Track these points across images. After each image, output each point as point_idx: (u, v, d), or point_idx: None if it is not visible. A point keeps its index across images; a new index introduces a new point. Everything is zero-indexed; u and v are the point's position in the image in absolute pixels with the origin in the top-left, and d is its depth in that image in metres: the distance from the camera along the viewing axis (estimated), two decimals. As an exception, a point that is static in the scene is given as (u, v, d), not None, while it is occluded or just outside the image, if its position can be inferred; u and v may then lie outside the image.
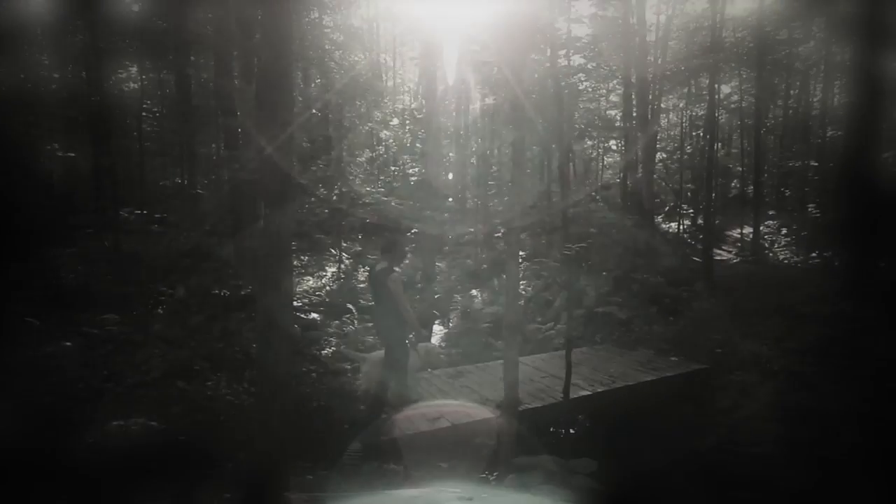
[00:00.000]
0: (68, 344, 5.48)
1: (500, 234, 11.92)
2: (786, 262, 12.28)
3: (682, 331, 7.62)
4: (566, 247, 5.37)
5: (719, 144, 17.19)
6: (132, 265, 8.68)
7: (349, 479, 3.81)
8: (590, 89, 17.35)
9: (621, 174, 17.35)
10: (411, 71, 21.79)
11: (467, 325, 8.35)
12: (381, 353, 5.05)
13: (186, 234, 11.10)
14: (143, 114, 13.21)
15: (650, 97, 15.21)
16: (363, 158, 16.60)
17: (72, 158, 11.72)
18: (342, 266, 11.05)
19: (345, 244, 12.11)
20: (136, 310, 6.85)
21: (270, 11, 3.27)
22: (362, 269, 11.37)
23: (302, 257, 11.30)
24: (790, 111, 18.28)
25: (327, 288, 9.71)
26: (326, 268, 11.05)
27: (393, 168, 17.09)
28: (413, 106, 18.82)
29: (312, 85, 15.03)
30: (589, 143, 20.35)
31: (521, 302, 8.94)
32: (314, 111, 12.06)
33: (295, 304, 7.74)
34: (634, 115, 14.47)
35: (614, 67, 15.78)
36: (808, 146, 15.58)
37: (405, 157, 16.94)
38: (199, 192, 12.89)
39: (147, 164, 13.13)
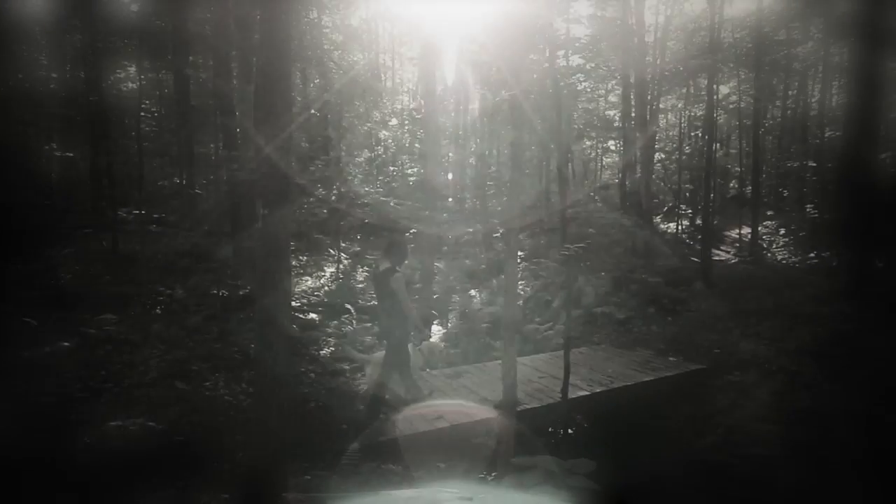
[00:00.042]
0: (66, 344, 5.47)
1: (498, 235, 11.93)
2: (784, 262, 12.30)
3: (680, 331, 7.63)
4: (565, 247, 5.38)
5: (718, 145, 17.21)
6: (130, 265, 8.66)
7: (347, 479, 3.81)
8: (588, 89, 17.38)
9: (620, 174, 17.37)
10: (410, 71, 21.79)
11: (466, 326, 8.34)
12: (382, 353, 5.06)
13: (185, 235, 11.08)
14: (142, 114, 13.19)
15: (649, 97, 15.24)
16: (362, 159, 16.58)
17: (70, 158, 11.72)
18: (341, 266, 11.05)
19: (343, 244, 12.10)
20: (135, 310, 6.83)
21: (269, 11, 3.27)
22: (361, 270, 11.37)
23: (301, 257, 11.29)
24: (788, 112, 18.32)
25: (326, 288, 9.71)
26: (325, 268, 11.04)
27: (392, 168, 17.07)
28: (412, 106, 18.80)
29: (311, 85, 15.03)
30: (587, 143, 20.38)
31: (520, 302, 8.94)
32: (313, 111, 12.05)
33: (293, 304, 7.73)
34: (633, 115, 14.49)
35: (613, 68, 15.81)
36: (807, 146, 15.61)
37: (404, 157, 16.93)
38: (198, 192, 12.87)
39: (145, 164, 13.10)
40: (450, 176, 16.27)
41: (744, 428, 5.20)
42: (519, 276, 9.82)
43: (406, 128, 17.04)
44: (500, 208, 13.78)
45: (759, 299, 8.46)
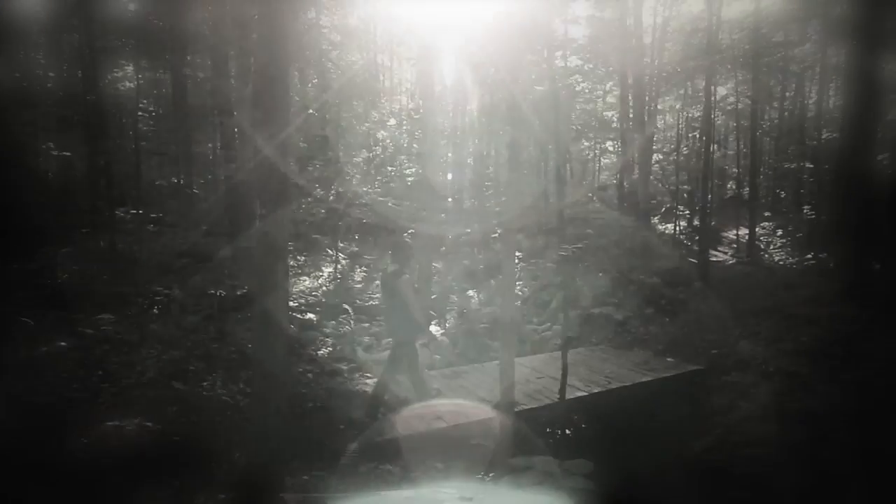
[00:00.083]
0: (63, 344, 5.45)
1: (496, 235, 11.93)
2: (781, 263, 12.32)
3: (678, 332, 7.65)
4: (563, 247, 5.39)
5: (715, 146, 17.22)
6: (128, 265, 8.64)
7: (346, 479, 3.81)
8: (586, 90, 17.39)
9: (618, 175, 17.40)
10: (408, 71, 21.76)
11: (464, 326, 8.34)
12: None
13: (183, 234, 11.06)
14: (140, 113, 13.17)
15: (647, 98, 15.26)
16: (360, 159, 16.56)
17: (67, 158, 11.66)
18: (339, 266, 11.04)
19: (341, 244, 12.08)
20: (132, 310, 6.81)
21: (267, 11, 3.26)
22: (359, 270, 11.36)
23: (298, 257, 11.27)
24: (786, 113, 18.36)
25: (324, 288, 9.70)
26: (323, 268, 11.02)
27: (390, 168, 17.06)
28: (410, 106, 18.80)
29: (309, 85, 14.99)
30: (585, 143, 20.39)
31: (518, 302, 8.94)
32: (311, 111, 12.02)
33: (291, 304, 7.71)
34: (631, 116, 14.50)
35: (611, 69, 15.83)
36: (804, 148, 15.64)
37: (402, 157, 16.92)
38: (196, 191, 12.84)
39: (143, 163, 13.08)
40: (448, 176, 16.26)
41: (741, 428, 5.21)
42: (517, 276, 9.82)
43: (404, 128, 17.02)
44: (498, 208, 13.76)
45: (756, 300, 8.48)
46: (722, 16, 12.88)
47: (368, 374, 6.19)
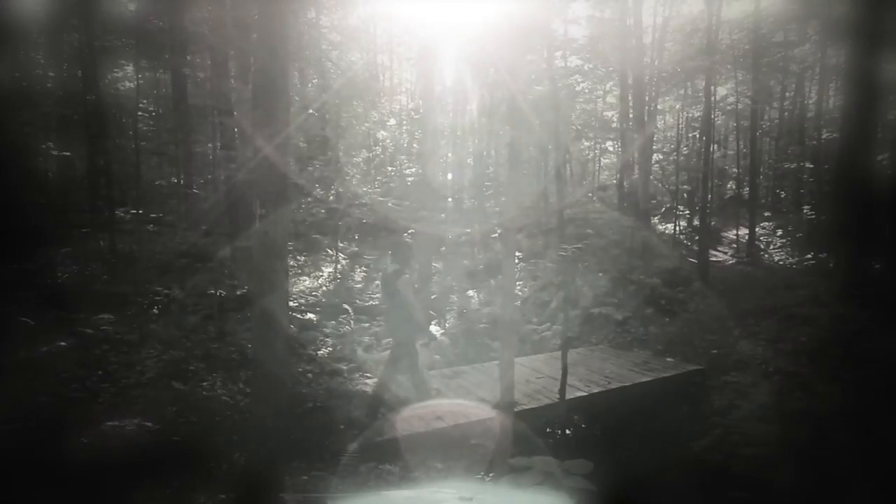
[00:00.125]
0: (63, 344, 5.45)
1: (496, 235, 11.94)
2: (781, 263, 12.33)
3: (678, 332, 7.65)
4: (563, 247, 5.39)
5: (715, 146, 17.24)
6: (128, 265, 8.64)
7: (346, 479, 3.81)
8: (586, 90, 17.39)
9: (618, 175, 17.39)
10: (408, 71, 21.76)
11: (464, 326, 8.35)
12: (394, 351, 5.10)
13: (182, 234, 11.06)
14: (139, 113, 13.15)
15: (647, 98, 15.25)
16: (360, 159, 16.57)
17: (67, 157, 11.65)
18: (339, 266, 11.04)
19: (341, 244, 12.09)
20: (132, 310, 6.81)
21: (267, 11, 3.27)
22: (359, 270, 11.36)
23: (298, 257, 11.27)
24: (786, 113, 18.37)
25: (324, 288, 9.70)
26: (323, 268, 11.03)
27: (390, 168, 17.07)
28: (410, 106, 18.81)
29: (309, 85, 14.99)
30: (585, 143, 20.39)
31: (518, 302, 8.95)
32: (311, 111, 12.02)
33: (291, 304, 7.71)
34: (631, 116, 14.50)
35: (611, 69, 15.83)
36: (804, 148, 15.65)
37: (402, 157, 16.92)
38: (196, 191, 12.83)
39: (143, 163, 13.06)
40: (448, 176, 16.26)
41: (741, 428, 5.21)
42: (517, 276, 9.83)
43: (404, 128, 17.04)
44: (497, 208, 13.78)
45: (756, 300, 8.49)
46: (722, 16, 12.91)
47: (368, 374, 6.19)
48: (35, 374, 4.76)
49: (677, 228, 15.15)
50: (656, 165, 16.04)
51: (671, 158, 17.04)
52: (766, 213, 15.83)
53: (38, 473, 3.48)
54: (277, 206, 3.25)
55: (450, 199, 15.61)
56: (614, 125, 17.43)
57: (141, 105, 13.57)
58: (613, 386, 5.62)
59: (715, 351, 6.85)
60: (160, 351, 5.63)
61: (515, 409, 4.67)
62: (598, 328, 8.21)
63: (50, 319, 5.94)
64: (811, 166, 14.40)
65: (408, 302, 4.69)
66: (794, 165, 15.40)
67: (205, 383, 5.13)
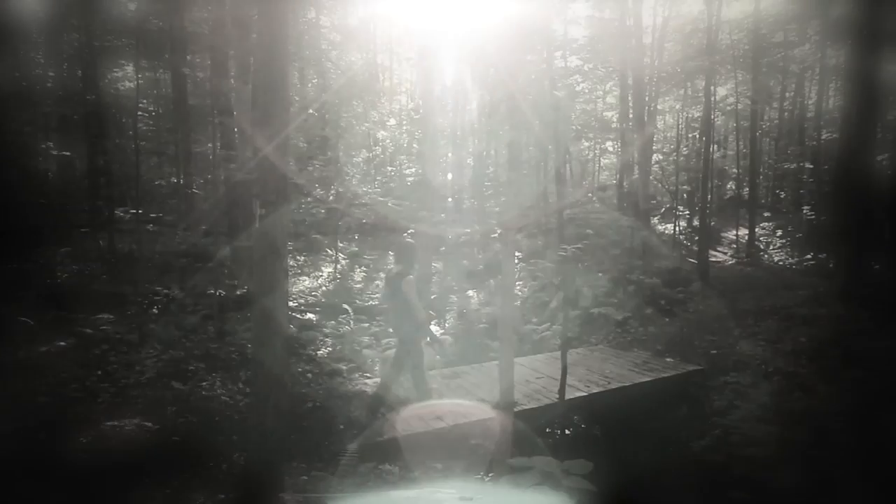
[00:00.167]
0: (62, 344, 5.45)
1: (496, 235, 11.93)
2: (781, 263, 12.33)
3: (677, 332, 7.65)
4: (562, 247, 5.39)
5: (715, 146, 17.24)
6: (127, 265, 8.64)
7: (345, 479, 3.81)
8: (586, 90, 17.40)
9: (617, 175, 17.39)
10: (408, 71, 21.77)
11: (463, 326, 8.34)
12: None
13: (182, 234, 11.05)
14: (139, 113, 13.13)
15: (646, 99, 15.26)
16: (360, 159, 16.58)
17: (67, 157, 11.66)
18: (338, 266, 11.04)
19: (341, 244, 12.09)
20: (131, 310, 6.81)
21: (266, 11, 3.26)
22: (359, 270, 11.36)
23: (298, 257, 11.28)
24: (785, 113, 18.38)
25: (323, 288, 9.70)
26: (323, 268, 11.03)
27: (390, 168, 17.07)
28: (410, 106, 18.81)
29: (309, 85, 15.00)
30: (585, 144, 20.40)
31: (517, 303, 8.94)
32: (311, 111, 12.03)
33: (291, 304, 7.71)
34: (631, 116, 14.51)
35: (611, 69, 15.84)
36: (804, 148, 15.66)
37: (402, 157, 16.93)
38: (195, 191, 12.83)
39: (142, 163, 13.04)
40: (448, 176, 16.27)
41: (741, 429, 5.21)
42: (516, 276, 9.82)
43: (404, 128, 17.04)
44: (497, 209, 13.78)
45: (756, 300, 8.49)
46: (721, 16, 12.91)
47: (368, 375, 6.19)
48: (34, 374, 4.76)
49: (677, 229, 15.15)
50: (656, 166, 16.04)
51: (671, 159, 17.04)
52: (765, 214, 15.84)
53: (37, 474, 3.48)
54: (277, 205, 3.25)
55: (450, 199, 15.62)
56: (614, 125, 17.45)
57: (141, 105, 13.55)
58: (613, 386, 5.62)
59: (715, 351, 6.85)
60: (160, 351, 5.63)
61: (515, 410, 4.67)
62: (597, 328, 8.21)
63: (49, 319, 5.94)
64: (811, 166, 14.40)
65: (411, 302, 4.69)
66: (793, 166, 15.40)
67: (204, 383, 5.13)
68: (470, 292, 10.29)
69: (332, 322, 7.89)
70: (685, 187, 16.87)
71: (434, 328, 8.64)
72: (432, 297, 9.72)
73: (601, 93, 19.29)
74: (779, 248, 13.76)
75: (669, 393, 5.88)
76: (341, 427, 4.70)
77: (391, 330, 6.90)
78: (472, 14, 9.26)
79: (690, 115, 17.69)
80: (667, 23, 16.44)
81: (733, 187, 19.02)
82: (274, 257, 3.28)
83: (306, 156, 11.47)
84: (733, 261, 13.14)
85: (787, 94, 18.09)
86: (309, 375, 5.84)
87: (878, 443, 4.65)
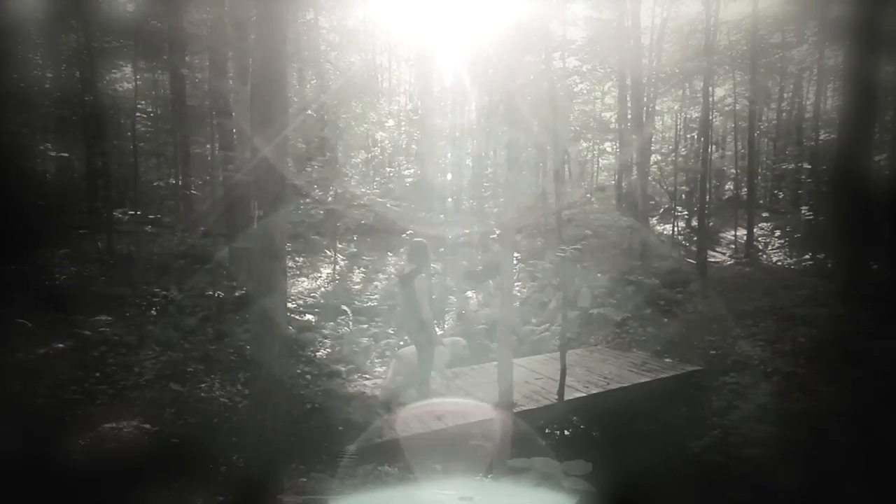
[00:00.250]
0: (61, 346, 5.44)
1: (495, 236, 11.93)
2: (779, 263, 12.33)
3: (676, 332, 7.65)
4: (561, 248, 5.39)
5: (713, 147, 17.26)
6: (126, 266, 8.62)
7: (345, 481, 3.80)
8: (585, 91, 17.40)
9: (616, 176, 17.41)
10: (407, 72, 21.76)
11: (463, 327, 8.34)
12: (411, 349, 5.16)
13: (181, 236, 11.04)
14: (137, 114, 13.11)
15: (645, 99, 15.27)
16: (359, 160, 16.57)
17: (65, 158, 11.65)
18: (337, 267, 11.03)
19: (340, 245, 12.08)
20: (130, 311, 6.80)
21: (265, 12, 3.26)
22: (358, 271, 11.35)
23: (297, 258, 11.26)
24: (783, 114, 18.40)
25: (322, 289, 9.69)
26: (321, 269, 11.01)
27: (388, 169, 17.07)
28: (409, 107, 18.81)
29: (308, 86, 14.98)
30: (584, 144, 20.40)
31: (516, 303, 8.94)
32: (310, 112, 12.02)
33: (289, 305, 7.71)
34: (629, 117, 14.51)
35: (609, 70, 15.84)
36: (802, 148, 15.67)
37: (401, 158, 16.93)
38: (194, 192, 12.82)
39: (141, 164, 13.04)
40: (448, 177, 16.27)
41: (740, 429, 5.21)
42: (515, 277, 9.82)
43: (403, 129, 17.04)
44: (496, 209, 13.78)
45: (754, 301, 8.49)
46: (720, 17, 12.91)
47: (367, 376, 6.19)
48: (33, 376, 4.75)
49: (676, 229, 15.16)
50: (654, 166, 16.04)
51: (669, 159, 17.06)
52: (764, 214, 15.83)
53: (36, 475, 3.47)
54: (276, 206, 3.25)
55: (448, 200, 15.61)
56: (613, 126, 17.45)
57: (139, 106, 13.53)
58: (612, 387, 5.62)
59: (714, 351, 6.86)
60: (158, 352, 5.62)
61: (514, 410, 4.66)
62: (596, 329, 8.21)
63: (47, 321, 5.92)
64: (809, 167, 14.41)
65: (419, 301, 4.71)
66: (792, 166, 15.42)
67: (203, 385, 5.12)
68: (469, 293, 10.29)
69: (331, 323, 7.89)
70: (683, 188, 16.89)
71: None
72: (432, 297, 9.72)
73: (599, 93, 19.28)
74: (777, 248, 13.77)
75: (668, 393, 5.88)
76: (340, 428, 4.70)
77: (391, 330, 6.91)
78: (470, 15, 9.28)
79: (689, 116, 17.71)
80: (665, 24, 16.45)
81: (731, 187, 19.02)
82: (272, 258, 3.27)
83: (305, 157, 11.46)
84: (732, 261, 13.14)
85: (786, 95, 18.10)
86: (308, 377, 5.84)
87: (879, 443, 4.66)
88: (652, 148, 15.80)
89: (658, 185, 18.55)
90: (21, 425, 3.97)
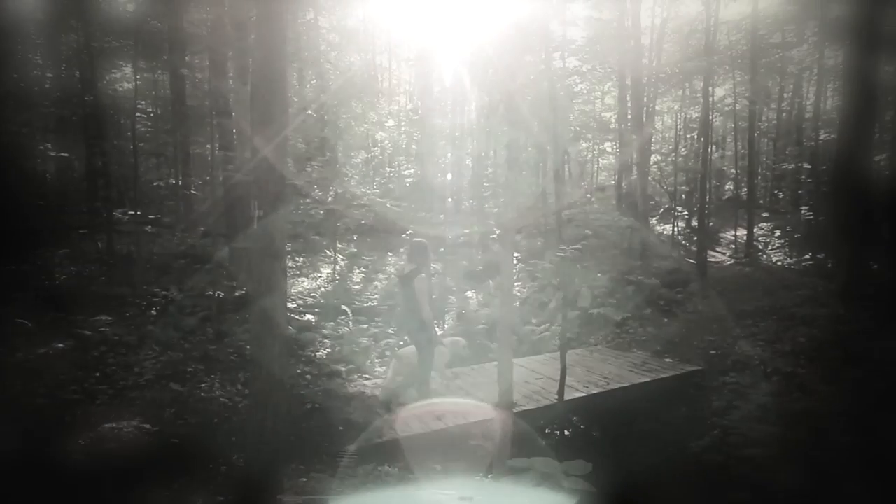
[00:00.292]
0: (61, 346, 5.44)
1: (495, 236, 11.93)
2: (779, 263, 12.33)
3: (676, 332, 7.65)
4: (561, 248, 5.39)
5: (713, 147, 17.26)
6: (126, 266, 8.62)
7: (345, 481, 3.80)
8: (585, 91, 17.40)
9: (616, 176, 17.41)
10: (407, 72, 21.76)
11: (463, 327, 8.34)
12: (411, 349, 5.16)
13: (181, 236, 11.04)
14: (137, 114, 13.11)
15: (645, 99, 15.27)
16: (359, 160, 16.57)
17: (65, 158, 11.65)
18: (337, 267, 11.02)
19: (340, 245, 12.08)
20: (130, 311, 6.80)
21: (265, 12, 3.26)
22: (358, 271, 11.34)
23: (297, 258, 11.26)
24: (783, 114, 18.39)
25: (322, 289, 9.69)
26: (321, 269, 11.01)
27: (388, 169, 17.07)
28: (409, 107, 18.81)
29: (308, 86, 14.98)
30: (584, 144, 20.40)
31: (516, 303, 8.94)
32: (310, 112, 12.02)
33: (289, 305, 7.71)
34: (629, 117, 14.52)
35: (609, 70, 15.84)
36: (802, 148, 15.67)
37: (401, 158, 16.92)
38: (194, 192, 12.82)
39: (141, 164, 13.04)
40: (448, 177, 16.27)
41: (740, 429, 5.21)
42: (515, 277, 9.82)
43: (403, 129, 17.04)
44: (496, 209, 13.78)
45: (754, 301, 8.49)
46: (720, 17, 12.91)
47: (367, 376, 6.19)
48: (33, 376, 4.75)
49: (676, 229, 15.15)
50: (654, 166, 16.03)
51: (669, 159, 17.05)
52: (764, 214, 15.83)
53: (36, 475, 3.47)
54: (276, 207, 3.25)
55: (448, 200, 15.61)
56: (613, 126, 17.45)
57: (139, 106, 13.53)
58: (612, 387, 5.62)
59: (714, 351, 6.86)
60: (158, 352, 5.62)
61: (515, 410, 4.66)
62: (596, 329, 8.21)
63: (47, 321, 5.92)
64: (809, 167, 14.41)
65: (419, 301, 4.71)
66: (792, 166, 15.41)
67: (203, 385, 5.12)
68: (469, 293, 10.29)
69: (331, 323, 7.89)
70: (683, 188, 16.89)
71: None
72: (432, 297, 9.71)
73: (599, 93, 19.28)
74: (777, 248, 13.76)
75: (668, 393, 5.88)
76: (340, 428, 4.70)
77: (391, 330, 6.91)
78: (470, 15, 9.28)
79: (689, 116, 17.71)
80: (665, 24, 16.45)
81: (731, 187, 19.01)
82: (272, 258, 3.27)
83: (305, 157, 11.46)
84: (732, 261, 13.13)
85: (785, 95, 18.10)
86: (308, 377, 5.84)
87: (879, 443, 4.66)
88: (652, 148, 15.80)
89: (658, 185, 18.55)
90: (21, 425, 3.97)
